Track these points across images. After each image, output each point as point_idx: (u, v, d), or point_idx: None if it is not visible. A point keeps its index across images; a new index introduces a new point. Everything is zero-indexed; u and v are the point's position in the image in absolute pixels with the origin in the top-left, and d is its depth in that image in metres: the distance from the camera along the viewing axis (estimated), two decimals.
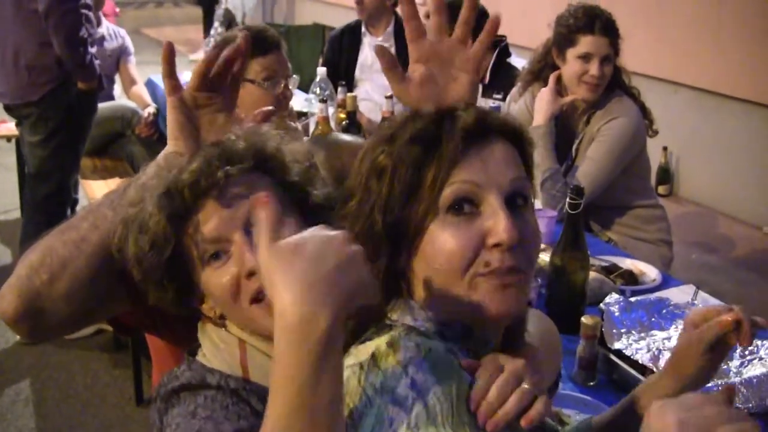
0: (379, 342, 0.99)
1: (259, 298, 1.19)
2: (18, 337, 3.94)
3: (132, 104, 5.01)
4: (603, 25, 2.87)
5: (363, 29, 4.48)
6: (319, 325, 0.83)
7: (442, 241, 1.01)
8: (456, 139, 1.02)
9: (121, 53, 5.21)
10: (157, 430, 1.19)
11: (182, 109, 1.33)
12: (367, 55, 4.44)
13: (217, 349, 1.26)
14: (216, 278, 1.21)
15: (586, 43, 2.86)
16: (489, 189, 1.02)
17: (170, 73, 1.32)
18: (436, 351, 0.97)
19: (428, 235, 1.02)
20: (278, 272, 0.85)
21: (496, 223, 1.00)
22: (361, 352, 0.99)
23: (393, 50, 4.39)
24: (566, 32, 2.90)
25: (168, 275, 1.22)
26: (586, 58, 2.87)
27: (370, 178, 1.05)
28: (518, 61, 3.48)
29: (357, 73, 4.47)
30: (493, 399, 0.96)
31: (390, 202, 1.03)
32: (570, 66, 2.91)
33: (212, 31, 9.70)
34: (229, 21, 9.20)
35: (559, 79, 2.97)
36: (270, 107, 1.43)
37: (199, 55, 5.64)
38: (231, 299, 1.21)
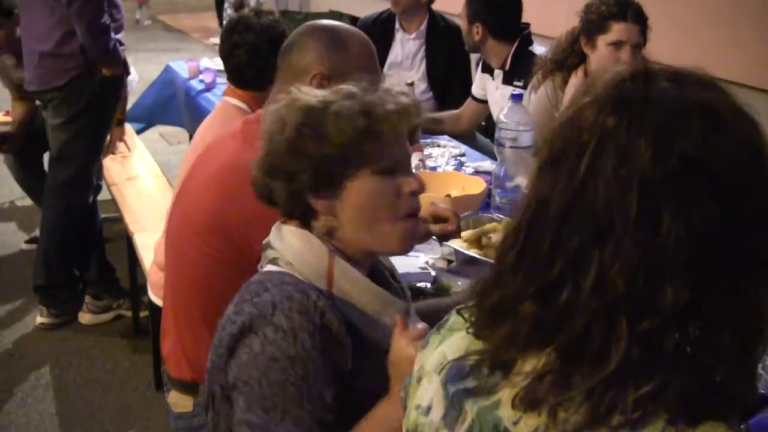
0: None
1: (413, 213, 1.39)
2: (38, 322, 3.98)
3: None
4: (635, 12, 2.85)
5: (396, 24, 4.33)
6: None
7: None
8: None
9: None
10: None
11: None
12: (397, 52, 4.32)
13: (301, 256, 1.38)
14: (381, 185, 1.36)
15: (618, 30, 2.84)
16: None
17: None
18: None
19: None
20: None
21: None
22: None
23: (423, 49, 4.30)
24: (597, 19, 2.87)
25: (323, 166, 1.35)
26: (617, 45, 2.84)
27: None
28: (539, 50, 3.46)
29: (385, 69, 4.31)
30: None
31: None
32: (600, 53, 2.88)
33: (224, 14, 9.67)
34: (240, 3, 9.14)
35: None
36: None
37: (215, 41, 5.57)
38: (383, 207, 1.37)
